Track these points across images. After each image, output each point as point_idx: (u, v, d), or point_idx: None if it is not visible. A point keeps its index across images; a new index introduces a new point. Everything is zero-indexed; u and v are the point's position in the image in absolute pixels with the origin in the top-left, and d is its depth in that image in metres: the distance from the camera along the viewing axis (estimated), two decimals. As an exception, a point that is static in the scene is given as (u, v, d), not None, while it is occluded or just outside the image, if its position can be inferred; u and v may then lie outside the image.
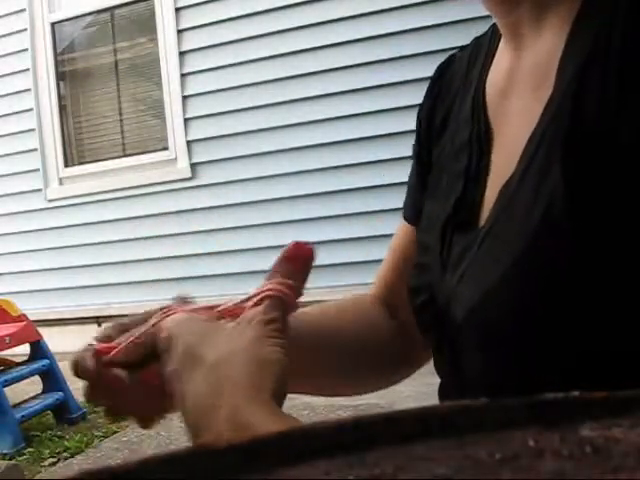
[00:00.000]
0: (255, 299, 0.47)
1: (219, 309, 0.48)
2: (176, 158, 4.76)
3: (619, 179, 0.44)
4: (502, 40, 0.60)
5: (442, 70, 0.71)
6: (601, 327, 0.45)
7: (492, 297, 0.49)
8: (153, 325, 0.51)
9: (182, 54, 4.71)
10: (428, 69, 0.76)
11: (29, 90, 5.07)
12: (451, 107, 0.67)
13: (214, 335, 0.46)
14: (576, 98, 0.46)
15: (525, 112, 0.53)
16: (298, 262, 0.48)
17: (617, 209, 0.44)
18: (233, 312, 0.47)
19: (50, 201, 5.06)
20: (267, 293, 0.47)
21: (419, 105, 0.72)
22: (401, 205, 0.75)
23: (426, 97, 0.72)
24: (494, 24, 0.62)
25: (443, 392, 0.63)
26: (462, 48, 0.71)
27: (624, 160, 0.43)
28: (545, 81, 0.50)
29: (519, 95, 0.55)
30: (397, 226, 0.76)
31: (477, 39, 0.68)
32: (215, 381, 0.43)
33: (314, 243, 0.51)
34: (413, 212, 0.72)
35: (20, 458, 2.94)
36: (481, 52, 0.65)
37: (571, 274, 0.45)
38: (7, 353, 3.44)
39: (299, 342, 0.59)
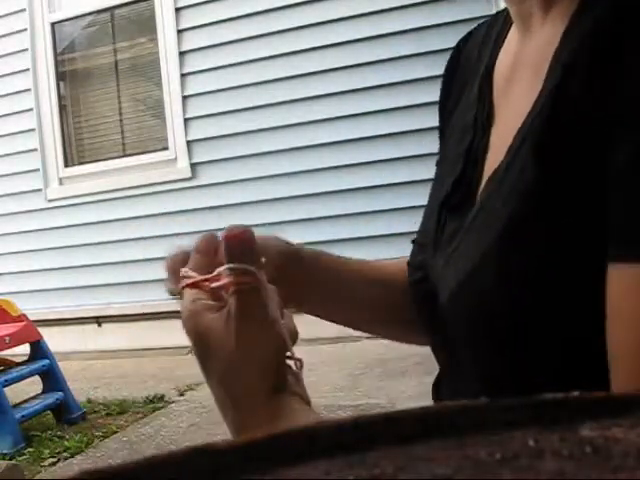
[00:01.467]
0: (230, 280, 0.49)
1: (213, 286, 0.51)
2: (176, 158, 4.76)
3: (591, 182, 0.44)
4: (514, 24, 0.61)
5: (456, 55, 0.72)
6: (578, 316, 0.45)
7: (468, 284, 0.51)
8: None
9: (182, 54, 4.71)
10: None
11: (29, 90, 5.07)
12: (463, 88, 0.68)
13: (214, 340, 0.49)
14: (556, 97, 0.47)
15: (521, 100, 0.53)
16: (238, 248, 0.49)
17: (591, 208, 0.44)
18: (222, 287, 0.50)
19: (50, 201, 5.07)
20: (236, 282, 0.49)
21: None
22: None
23: (442, 85, 0.73)
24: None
25: (440, 377, 0.63)
26: (477, 27, 0.71)
27: (595, 168, 0.43)
28: (541, 72, 0.51)
29: (519, 84, 0.56)
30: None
31: (495, 15, 0.69)
32: (224, 395, 0.50)
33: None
34: None
35: (20, 458, 2.94)
36: (493, 33, 0.66)
37: (544, 268, 0.46)
38: (7, 353, 3.44)
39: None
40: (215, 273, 0.50)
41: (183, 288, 0.52)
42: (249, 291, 0.48)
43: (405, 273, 0.69)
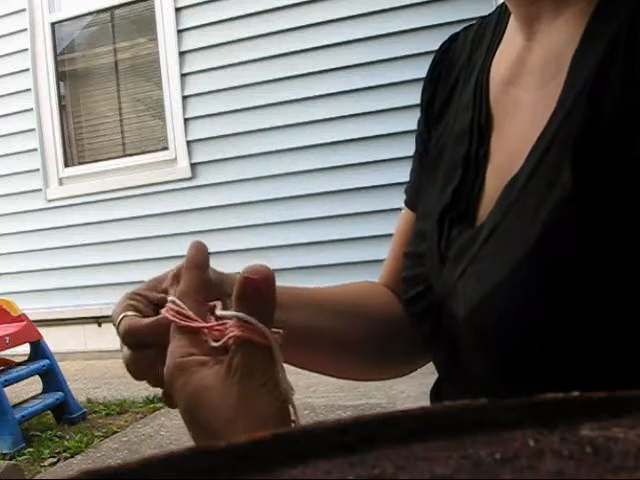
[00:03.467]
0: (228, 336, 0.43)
1: (215, 345, 0.45)
2: (176, 158, 4.76)
3: (629, 187, 0.43)
4: (511, 25, 0.59)
5: (444, 52, 0.70)
6: (608, 329, 0.45)
7: (496, 297, 0.49)
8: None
9: (182, 54, 4.71)
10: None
11: (29, 90, 5.07)
12: (453, 88, 0.66)
13: (209, 397, 0.43)
14: (591, 100, 0.46)
15: (532, 107, 0.52)
16: (255, 297, 0.43)
17: (626, 215, 0.43)
18: (213, 330, 0.45)
19: (50, 201, 5.06)
20: (236, 337, 0.42)
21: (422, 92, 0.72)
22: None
23: (427, 80, 0.71)
24: (501, 5, 0.61)
25: (439, 384, 0.62)
26: (466, 28, 0.69)
27: (634, 172, 0.43)
28: (556, 77, 0.50)
29: (526, 88, 0.54)
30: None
31: (483, 19, 0.67)
32: None
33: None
34: (415, 198, 0.70)
35: (20, 458, 2.94)
36: (487, 34, 0.64)
37: (578, 276, 0.45)
38: (7, 353, 3.44)
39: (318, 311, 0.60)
40: (215, 322, 0.44)
41: (176, 328, 0.45)
42: (256, 348, 0.42)
43: (388, 303, 0.66)
